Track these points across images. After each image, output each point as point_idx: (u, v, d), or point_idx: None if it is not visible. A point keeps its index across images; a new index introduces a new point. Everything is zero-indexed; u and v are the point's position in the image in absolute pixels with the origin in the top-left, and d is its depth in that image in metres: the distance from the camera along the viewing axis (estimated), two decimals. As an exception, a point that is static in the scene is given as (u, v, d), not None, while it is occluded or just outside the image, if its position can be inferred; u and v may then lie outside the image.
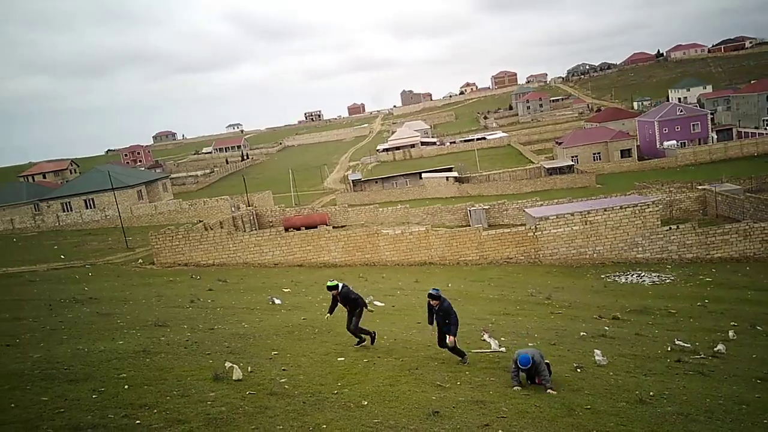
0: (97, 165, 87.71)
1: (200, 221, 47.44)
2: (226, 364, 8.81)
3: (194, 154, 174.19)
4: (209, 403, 7.17)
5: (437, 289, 10.33)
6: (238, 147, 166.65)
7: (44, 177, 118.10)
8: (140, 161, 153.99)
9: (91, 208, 60.09)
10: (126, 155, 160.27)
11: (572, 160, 74.23)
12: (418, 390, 8.67)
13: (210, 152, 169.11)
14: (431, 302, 10.28)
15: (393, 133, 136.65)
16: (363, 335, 11.73)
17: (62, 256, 37.49)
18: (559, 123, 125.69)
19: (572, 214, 31.72)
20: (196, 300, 19.12)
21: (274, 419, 6.67)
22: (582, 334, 14.20)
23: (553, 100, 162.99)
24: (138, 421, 6.30)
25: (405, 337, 13.01)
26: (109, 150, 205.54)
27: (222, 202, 56.54)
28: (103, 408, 6.74)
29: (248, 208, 55.88)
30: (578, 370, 10.25)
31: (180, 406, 6.94)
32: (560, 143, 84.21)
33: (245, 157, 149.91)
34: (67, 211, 60.42)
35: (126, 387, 7.69)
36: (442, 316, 10.15)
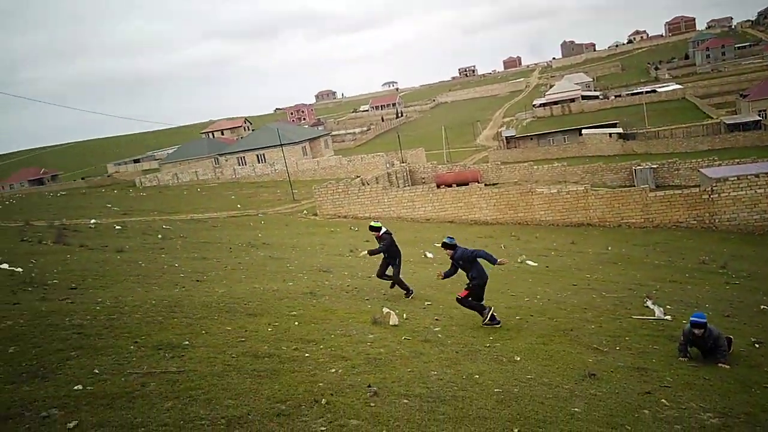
0: (267, 123, 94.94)
1: (357, 176, 49.56)
2: (383, 310, 9.31)
3: (353, 112, 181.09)
4: (368, 344, 7.67)
5: (451, 238, 9.52)
6: (393, 105, 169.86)
7: (222, 134, 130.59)
8: (304, 119, 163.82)
9: (262, 162, 65.50)
10: (292, 113, 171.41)
11: (759, 115, 65.10)
12: (573, 351, 8.46)
13: (367, 110, 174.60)
14: (446, 253, 9.47)
15: (551, 86, 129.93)
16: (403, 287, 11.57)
17: (238, 206, 41.60)
18: (745, 73, 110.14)
19: (757, 176, 28.05)
20: (354, 250, 20.23)
21: (428, 364, 6.97)
22: (762, 307, 12.75)
23: (739, 47, 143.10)
24: (307, 354, 6.94)
25: (559, 299, 12.68)
26: (276, 109, 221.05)
27: (378, 159, 58.45)
28: (278, 340, 7.50)
29: (402, 164, 57.14)
30: (757, 345, 9.28)
31: (342, 344, 7.51)
32: (745, 96, 74.12)
33: (399, 115, 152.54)
34: (242, 164, 66.49)
35: (296, 323, 8.47)
36: (462, 265, 9.32)
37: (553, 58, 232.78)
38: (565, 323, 10.20)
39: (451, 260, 9.47)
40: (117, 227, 25.72)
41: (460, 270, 9.49)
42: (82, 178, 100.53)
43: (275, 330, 8.01)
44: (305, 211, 38.72)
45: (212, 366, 6.03)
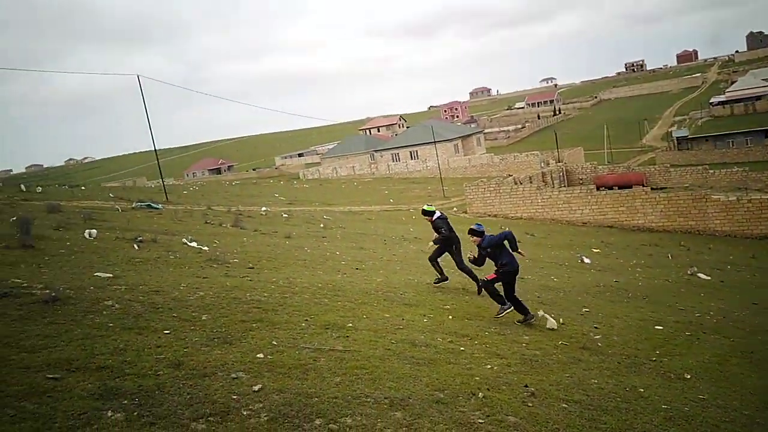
0: (421, 121, 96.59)
1: (509, 175, 48.61)
2: (539, 313, 9.12)
3: (507, 109, 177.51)
4: (524, 344, 7.58)
5: (480, 224, 9.12)
6: (551, 101, 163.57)
7: (378, 131, 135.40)
8: (457, 116, 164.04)
9: (414, 159, 66.88)
10: (445, 111, 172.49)
11: None
12: (753, 375, 7.66)
13: (522, 107, 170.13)
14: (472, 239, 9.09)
15: (732, 83, 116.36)
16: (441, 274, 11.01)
17: (391, 200, 42.95)
18: None
19: None
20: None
21: (588, 372, 6.72)
22: None
23: None
24: (462, 348, 7.04)
25: (736, 317, 11.49)
26: (431, 106, 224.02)
27: (532, 158, 56.86)
28: (433, 332, 7.69)
29: (558, 164, 54.95)
30: None
31: (497, 342, 7.51)
32: None
33: (557, 112, 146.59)
34: (395, 161, 68.43)
35: (450, 317, 8.62)
36: (490, 252, 8.88)
37: (736, 51, 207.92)
38: (743, 344, 9.24)
39: (478, 248, 9.15)
40: (284, 215, 27.92)
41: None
42: (253, 169, 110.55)
43: (431, 322, 8.22)
44: (455, 208, 38.88)
45: (374, 349, 6.37)
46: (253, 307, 7.50)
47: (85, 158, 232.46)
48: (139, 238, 13.50)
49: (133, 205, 25.13)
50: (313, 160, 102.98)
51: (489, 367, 6.38)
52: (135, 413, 4.15)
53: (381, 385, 5.27)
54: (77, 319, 6.09)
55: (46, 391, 4.29)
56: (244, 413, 4.37)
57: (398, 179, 61.50)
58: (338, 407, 4.66)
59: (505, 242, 8.88)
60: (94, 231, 13.27)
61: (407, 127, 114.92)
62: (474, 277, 10.61)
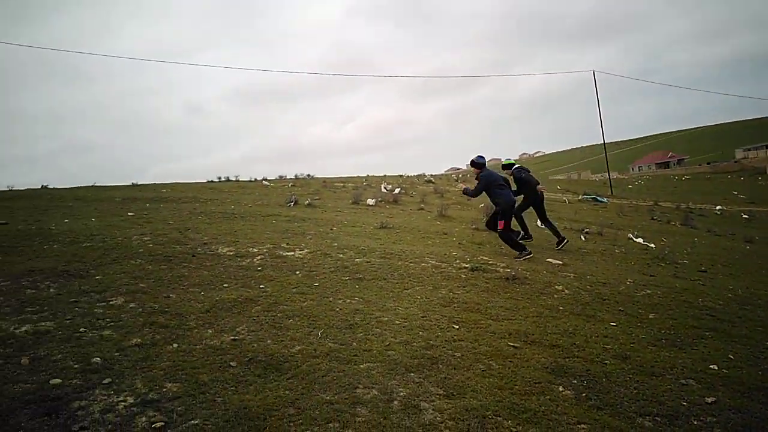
0: None
1: None
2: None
3: None
4: None
5: (481, 156, 9.75)
6: None
7: None
8: None
9: None
10: None
11: None
12: None
13: None
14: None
15: None
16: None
17: None
18: None
19: None
20: None
21: None
22: None
23: None
24: None
25: None
26: None
27: None
28: None
29: None
30: None
31: None
32: None
33: None
34: None
35: None
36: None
37: None
38: None
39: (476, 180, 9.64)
40: (744, 216, 24.30)
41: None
42: (708, 163, 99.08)
43: None
44: None
45: None
46: (706, 314, 6.91)
47: (536, 152, 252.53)
48: (585, 230, 14.00)
49: (580, 198, 26.07)
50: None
51: None
52: (583, 394, 4.43)
53: None
54: (532, 298, 6.82)
55: (508, 356, 5.00)
56: (694, 422, 4.14)
57: None
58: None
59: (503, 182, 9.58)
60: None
61: None
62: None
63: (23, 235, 8.39)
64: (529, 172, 10.83)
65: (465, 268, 7.80)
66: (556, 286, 7.38)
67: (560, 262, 9.24)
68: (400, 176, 34.49)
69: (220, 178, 26.10)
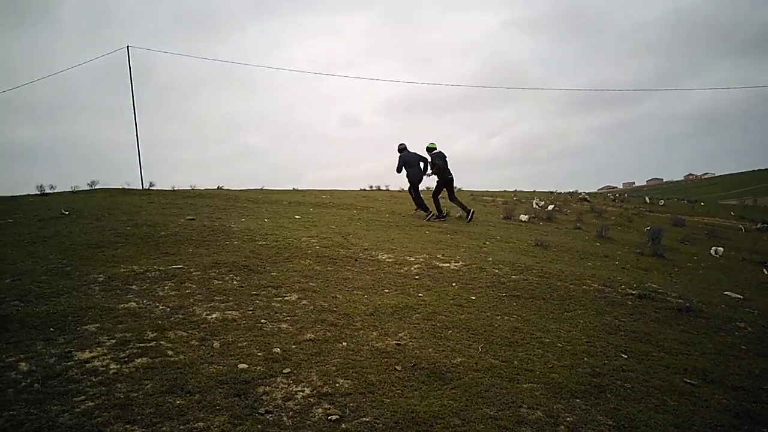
0: None
1: None
2: None
3: None
4: None
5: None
6: None
7: None
8: None
9: None
10: None
11: None
12: None
13: None
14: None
15: None
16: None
17: None
18: None
19: None
20: None
21: None
22: None
23: None
24: None
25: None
26: None
27: None
28: None
29: None
30: None
31: None
32: None
33: None
34: None
35: None
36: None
37: None
38: None
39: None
40: None
41: None
42: None
43: None
44: None
45: None
46: None
47: (705, 173, 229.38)
48: (766, 263, 12.51)
49: (758, 226, 23.27)
50: None
51: None
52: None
53: None
54: (709, 334, 6.23)
55: (684, 393, 4.62)
56: None
57: None
58: None
59: (420, 163, 13.07)
60: (720, 249, 13.08)
61: None
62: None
63: (208, 231, 9.39)
64: (445, 158, 13.00)
65: (631, 294, 7.33)
66: (737, 323, 6.67)
67: (740, 297, 8.34)
68: (551, 193, 33.28)
69: (371, 186, 27.14)
